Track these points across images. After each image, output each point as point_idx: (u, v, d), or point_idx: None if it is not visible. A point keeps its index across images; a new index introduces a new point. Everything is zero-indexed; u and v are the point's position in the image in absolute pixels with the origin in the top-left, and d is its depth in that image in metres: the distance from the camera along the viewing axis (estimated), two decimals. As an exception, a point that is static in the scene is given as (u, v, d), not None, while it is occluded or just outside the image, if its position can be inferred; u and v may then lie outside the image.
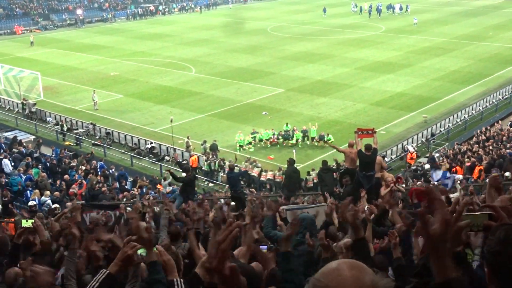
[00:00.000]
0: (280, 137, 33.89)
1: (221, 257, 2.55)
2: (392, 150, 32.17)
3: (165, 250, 4.60)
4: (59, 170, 26.76)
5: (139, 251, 4.42)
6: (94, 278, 4.10)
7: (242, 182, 23.48)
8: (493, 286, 2.72)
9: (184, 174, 18.53)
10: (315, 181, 26.14)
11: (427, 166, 27.29)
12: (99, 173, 26.61)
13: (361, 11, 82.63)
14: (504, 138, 28.73)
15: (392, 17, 78.86)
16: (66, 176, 24.95)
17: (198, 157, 31.23)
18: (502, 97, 41.36)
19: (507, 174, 22.85)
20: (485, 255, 2.82)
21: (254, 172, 29.04)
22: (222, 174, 29.58)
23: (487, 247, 2.80)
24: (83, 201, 19.66)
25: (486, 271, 2.81)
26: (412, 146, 32.56)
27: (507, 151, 25.81)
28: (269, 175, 28.78)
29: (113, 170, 28.99)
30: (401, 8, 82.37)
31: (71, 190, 22.86)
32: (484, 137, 30.06)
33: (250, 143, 33.50)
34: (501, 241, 2.70)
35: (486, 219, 3.30)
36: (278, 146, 33.75)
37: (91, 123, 37.13)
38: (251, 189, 26.52)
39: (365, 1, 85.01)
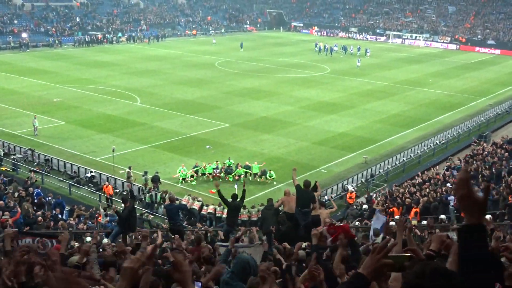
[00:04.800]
0: (222, 172, 33.88)
1: None
2: (332, 189, 32.61)
3: None
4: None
5: None
6: None
7: (181, 215, 23.26)
8: None
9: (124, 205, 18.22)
10: (253, 218, 26.34)
11: (365, 206, 27.79)
12: (35, 200, 25.88)
13: (320, 51, 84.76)
14: (440, 182, 29.58)
15: (338, 59, 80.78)
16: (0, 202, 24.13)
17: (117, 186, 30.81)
18: (439, 142, 42.70)
19: (442, 217, 23.53)
20: (403, 285, 2.98)
21: (195, 206, 28.88)
22: (163, 207, 29.25)
23: (404, 282, 2.96)
24: (16, 229, 19.01)
25: None
26: (352, 185, 33.11)
27: (443, 194, 26.57)
28: (210, 209, 28.67)
29: (50, 197, 28.26)
30: (359, 50, 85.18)
31: (3, 217, 22.09)
32: (421, 180, 30.88)
33: (192, 176, 33.36)
34: (418, 275, 2.88)
35: (406, 260, 3.56)
36: (220, 180, 33.70)
37: (30, 149, 36.22)
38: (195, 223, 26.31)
39: (324, 42, 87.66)
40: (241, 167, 33.99)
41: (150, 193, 30.48)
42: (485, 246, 3.07)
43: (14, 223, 21.39)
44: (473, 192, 3.05)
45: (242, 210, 25.90)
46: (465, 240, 3.07)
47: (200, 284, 6.53)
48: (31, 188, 27.74)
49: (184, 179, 33.06)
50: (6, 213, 22.46)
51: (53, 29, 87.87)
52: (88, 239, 17.83)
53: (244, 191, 17.90)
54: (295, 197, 16.13)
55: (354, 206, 29.22)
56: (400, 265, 3.63)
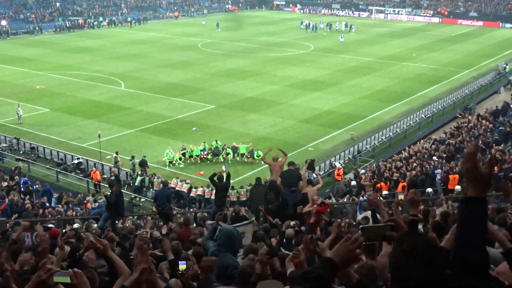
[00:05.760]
0: (209, 154, 33.89)
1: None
2: (320, 166, 32.70)
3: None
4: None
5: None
6: None
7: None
8: None
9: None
10: (242, 198, 26.43)
11: (353, 183, 27.95)
12: (22, 189, 25.78)
13: (307, 28, 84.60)
14: (426, 155, 29.79)
15: (321, 36, 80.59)
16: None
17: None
18: (425, 116, 42.92)
19: (429, 190, 23.74)
20: (391, 264, 2.98)
21: (184, 188, 28.92)
22: (152, 190, 29.24)
23: (392, 257, 2.97)
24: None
25: (389, 278, 2.99)
26: (339, 162, 33.26)
27: (429, 167, 26.78)
28: (199, 191, 28.73)
29: (37, 185, 28.14)
30: (346, 26, 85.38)
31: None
32: (407, 154, 31.08)
33: (180, 158, 33.34)
34: (406, 254, 2.86)
35: (388, 229, 3.63)
36: (208, 162, 33.73)
37: (15, 138, 35.95)
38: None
39: (309, 19, 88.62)
40: (228, 148, 34.02)
41: (143, 177, 30.35)
42: (484, 220, 3.10)
43: (2, 211, 21.34)
44: (478, 165, 3.09)
45: (230, 191, 26.02)
46: (466, 211, 3.09)
47: (185, 262, 6.61)
48: (17, 177, 27.60)
49: (171, 162, 33.04)
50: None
51: (33, 15, 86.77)
52: (76, 225, 17.85)
53: (228, 174, 18.03)
54: (281, 164, 16.23)
55: (342, 182, 29.41)
56: (381, 235, 3.70)
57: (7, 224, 16.57)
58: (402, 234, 3.15)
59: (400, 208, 7.02)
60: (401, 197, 7.48)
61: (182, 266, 6.58)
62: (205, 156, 33.76)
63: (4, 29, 78.84)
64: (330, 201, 22.57)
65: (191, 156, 33.82)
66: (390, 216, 5.86)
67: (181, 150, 33.70)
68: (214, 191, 21.45)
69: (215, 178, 17.32)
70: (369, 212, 13.47)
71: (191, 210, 25.60)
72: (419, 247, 2.86)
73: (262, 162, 32.84)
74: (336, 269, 3.23)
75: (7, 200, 22.70)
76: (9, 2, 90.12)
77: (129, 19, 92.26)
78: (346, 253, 3.29)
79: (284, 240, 10.10)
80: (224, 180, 17.65)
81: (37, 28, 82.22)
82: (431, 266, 2.79)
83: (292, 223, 11.24)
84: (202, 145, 34.15)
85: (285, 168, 17.11)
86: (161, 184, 18.64)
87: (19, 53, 65.66)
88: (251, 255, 6.84)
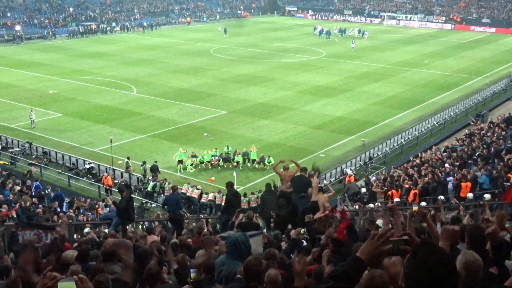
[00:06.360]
0: (221, 159, 33.92)
1: None
2: (331, 173, 32.66)
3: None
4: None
5: None
6: None
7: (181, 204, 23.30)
8: None
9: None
10: (252, 205, 26.33)
11: (363, 190, 27.85)
12: (34, 194, 25.88)
13: (321, 34, 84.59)
14: (438, 163, 29.61)
15: (333, 42, 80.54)
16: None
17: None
18: (437, 123, 42.72)
19: (441, 197, 23.60)
20: (406, 275, 2.98)
21: (194, 194, 28.94)
22: (163, 196, 29.26)
23: (406, 267, 2.96)
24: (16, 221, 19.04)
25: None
26: (350, 169, 33.15)
27: (441, 175, 26.62)
28: (210, 196, 28.73)
29: (49, 190, 28.26)
30: (359, 32, 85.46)
31: (2, 210, 22.09)
32: (419, 161, 30.91)
33: (191, 164, 33.36)
34: (421, 266, 2.85)
35: (402, 243, 3.62)
36: (219, 168, 33.76)
37: (28, 142, 36.19)
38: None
39: (322, 25, 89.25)
40: (239, 154, 34.01)
41: (155, 182, 30.36)
42: None
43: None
44: None
45: (242, 198, 26.00)
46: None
47: (195, 270, 6.67)
48: (29, 181, 27.74)
49: (181, 161, 32.98)
50: (5, 206, 22.49)
51: (47, 20, 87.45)
52: (87, 229, 17.91)
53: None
54: (292, 175, 16.20)
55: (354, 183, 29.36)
56: (396, 249, 3.70)
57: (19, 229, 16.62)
58: (417, 244, 3.15)
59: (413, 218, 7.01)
60: (415, 208, 7.42)
61: (193, 274, 6.65)
62: (216, 162, 33.79)
63: (18, 34, 79.47)
64: (341, 207, 22.47)
65: (202, 162, 33.86)
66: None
67: (192, 157, 33.69)
68: (224, 198, 21.40)
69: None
70: (380, 221, 13.43)
71: (201, 216, 25.60)
72: (433, 258, 2.87)
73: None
74: (364, 267, 3.24)
75: (18, 205, 22.80)
76: (23, 7, 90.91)
77: (144, 24, 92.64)
78: (372, 251, 3.29)
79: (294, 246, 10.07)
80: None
81: (50, 33, 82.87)
82: (444, 277, 2.80)
83: (302, 230, 11.21)
84: (213, 151, 34.18)
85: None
86: (171, 189, 18.63)
87: (32, 58, 66.16)
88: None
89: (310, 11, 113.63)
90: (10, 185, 26.74)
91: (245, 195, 26.65)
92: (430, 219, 5.87)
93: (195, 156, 33.77)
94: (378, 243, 3.31)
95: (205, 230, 14.97)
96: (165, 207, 18.88)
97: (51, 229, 14.29)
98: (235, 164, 33.71)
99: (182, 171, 32.98)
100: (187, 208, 27.50)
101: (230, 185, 17.30)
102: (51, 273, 4.14)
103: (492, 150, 29.09)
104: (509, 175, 23.65)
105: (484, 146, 30.28)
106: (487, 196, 21.01)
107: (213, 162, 33.78)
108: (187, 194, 28.81)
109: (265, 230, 14.02)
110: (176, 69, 60.36)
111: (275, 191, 17.63)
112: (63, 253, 8.64)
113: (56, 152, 35.29)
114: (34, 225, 15.90)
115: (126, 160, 32.51)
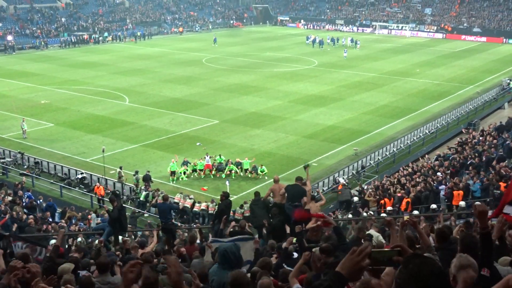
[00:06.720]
0: (214, 169, 33.89)
1: None
2: (323, 182, 32.69)
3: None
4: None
5: None
6: None
7: (173, 213, 23.28)
8: None
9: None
10: (246, 214, 26.23)
11: (355, 199, 27.90)
12: (25, 204, 25.79)
13: (314, 44, 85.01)
14: (431, 171, 29.71)
15: (326, 52, 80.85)
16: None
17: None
18: (429, 132, 42.90)
19: (433, 206, 23.69)
20: (397, 286, 2.99)
21: (187, 204, 28.88)
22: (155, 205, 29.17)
23: (398, 278, 2.98)
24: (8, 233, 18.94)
25: None
26: (343, 178, 33.21)
27: (434, 183, 26.72)
28: (203, 206, 28.69)
29: (41, 200, 28.16)
30: (352, 41, 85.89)
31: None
32: (411, 170, 31.02)
33: (184, 172, 33.32)
34: (411, 276, 2.87)
35: (396, 254, 3.64)
36: (212, 177, 33.74)
37: (19, 152, 36.05)
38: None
39: (314, 34, 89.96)
40: (232, 164, 34.00)
41: (147, 192, 30.24)
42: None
43: (2, 225, 21.31)
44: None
45: (238, 209, 26.00)
46: None
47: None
48: (20, 192, 27.63)
49: (173, 172, 32.94)
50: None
51: (39, 31, 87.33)
52: (79, 239, 17.85)
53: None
54: (283, 186, 16.23)
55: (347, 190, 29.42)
56: (387, 259, 3.72)
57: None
58: (409, 256, 3.17)
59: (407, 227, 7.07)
60: (406, 217, 7.45)
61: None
62: (210, 166, 33.72)
63: (10, 44, 79.34)
64: (333, 216, 22.50)
65: (194, 170, 33.81)
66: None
67: (183, 164, 33.61)
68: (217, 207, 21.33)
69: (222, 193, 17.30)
70: (372, 230, 13.45)
71: (194, 226, 25.54)
72: (424, 270, 2.89)
73: (266, 178, 32.93)
74: (345, 281, 3.26)
75: (7, 215, 22.69)
76: (15, 17, 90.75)
77: (137, 33, 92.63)
78: (352, 266, 3.31)
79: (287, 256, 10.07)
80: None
81: (42, 43, 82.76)
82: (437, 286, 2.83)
83: (294, 239, 11.20)
84: (205, 158, 34.11)
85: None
86: (162, 199, 18.59)
87: (24, 67, 66.03)
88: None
89: (302, 20, 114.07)
90: (2, 196, 26.65)
91: (241, 206, 26.60)
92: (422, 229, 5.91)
93: (186, 163, 33.68)
94: (358, 259, 3.33)
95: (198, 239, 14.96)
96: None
97: (44, 246, 14.22)
98: (228, 173, 33.69)
99: (174, 182, 32.90)
100: (180, 218, 27.44)
101: (225, 195, 17.23)
102: (40, 284, 4.14)
103: (484, 158, 29.25)
104: (500, 183, 23.78)
105: (476, 154, 30.44)
106: (477, 204, 21.02)
107: (206, 167, 33.71)
108: (180, 203, 28.72)
109: (256, 236, 13.99)
110: (168, 78, 60.37)
111: (262, 200, 17.51)
112: (60, 267, 8.62)
113: (48, 162, 35.16)
114: (28, 239, 15.82)
115: (118, 170, 32.43)
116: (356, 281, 3.70)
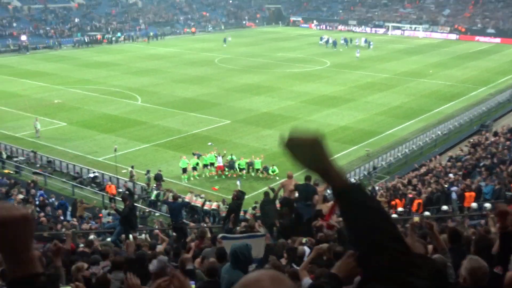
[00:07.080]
0: (225, 167, 33.98)
1: None
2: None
3: None
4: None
5: None
6: None
7: (184, 213, 23.33)
8: None
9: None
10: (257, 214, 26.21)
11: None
12: (37, 202, 25.97)
13: (328, 44, 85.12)
14: (442, 173, 29.54)
15: (338, 52, 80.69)
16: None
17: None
18: (441, 133, 42.66)
19: (444, 207, 23.55)
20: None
21: (198, 203, 28.92)
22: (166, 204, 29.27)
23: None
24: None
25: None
26: (354, 179, 33.09)
27: (445, 185, 26.56)
28: (214, 205, 28.71)
29: (53, 199, 28.35)
30: (365, 42, 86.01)
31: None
32: (423, 171, 30.86)
33: (195, 167, 33.37)
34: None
35: None
36: (223, 177, 33.79)
37: (32, 151, 36.32)
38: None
39: (328, 35, 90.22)
40: (243, 159, 34.19)
41: (159, 191, 30.35)
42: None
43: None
44: None
45: (250, 209, 26.01)
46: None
47: (194, 282, 6.70)
48: (33, 190, 27.84)
49: (185, 169, 33.03)
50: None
51: (52, 31, 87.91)
52: (92, 237, 17.95)
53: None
54: (295, 182, 16.19)
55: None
56: None
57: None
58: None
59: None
60: (416, 219, 7.41)
61: (192, 286, 6.70)
62: (222, 168, 33.80)
63: (24, 44, 79.94)
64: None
65: (205, 165, 33.83)
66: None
67: (194, 155, 33.72)
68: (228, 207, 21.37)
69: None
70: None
71: (204, 225, 25.57)
72: (425, 269, 2.88)
73: (277, 178, 32.89)
74: (340, 283, 3.26)
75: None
76: (29, 17, 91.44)
77: (149, 34, 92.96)
78: (348, 268, 3.32)
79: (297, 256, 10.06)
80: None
81: (56, 43, 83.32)
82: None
83: (304, 240, 11.18)
84: (216, 158, 34.10)
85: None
86: (172, 198, 18.65)
87: (38, 67, 66.49)
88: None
89: (314, 21, 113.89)
90: (15, 194, 26.87)
91: (254, 208, 26.55)
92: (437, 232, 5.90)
93: (198, 155, 33.73)
94: (354, 263, 3.35)
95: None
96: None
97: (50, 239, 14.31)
98: (239, 172, 33.76)
99: (186, 181, 33.00)
100: (191, 217, 27.49)
101: (237, 195, 17.26)
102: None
103: (496, 160, 29.03)
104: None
105: (489, 156, 30.22)
106: (487, 205, 20.92)
107: (218, 167, 33.81)
108: (191, 203, 28.76)
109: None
110: (180, 78, 60.53)
111: (273, 199, 17.47)
112: (75, 264, 8.79)
113: (60, 161, 35.39)
114: (39, 237, 15.96)
115: (130, 169, 32.58)
116: (350, 285, 3.72)
